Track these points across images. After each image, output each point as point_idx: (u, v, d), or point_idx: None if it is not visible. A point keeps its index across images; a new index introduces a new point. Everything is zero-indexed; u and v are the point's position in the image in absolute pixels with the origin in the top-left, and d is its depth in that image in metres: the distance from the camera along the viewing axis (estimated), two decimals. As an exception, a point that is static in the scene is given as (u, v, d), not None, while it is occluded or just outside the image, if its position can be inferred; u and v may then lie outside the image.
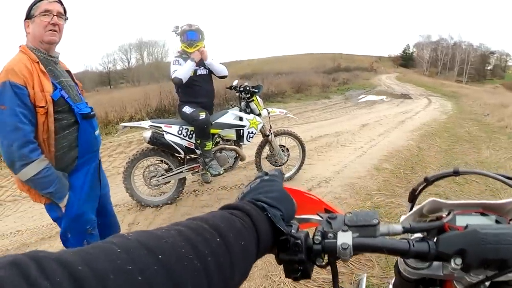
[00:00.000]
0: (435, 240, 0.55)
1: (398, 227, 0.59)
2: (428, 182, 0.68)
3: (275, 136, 4.12)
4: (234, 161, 3.91)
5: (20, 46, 1.81)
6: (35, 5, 1.77)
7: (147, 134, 3.55)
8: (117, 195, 4.01)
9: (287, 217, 0.57)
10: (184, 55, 3.71)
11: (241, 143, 3.90)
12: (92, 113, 2.01)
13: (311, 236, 0.57)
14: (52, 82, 1.78)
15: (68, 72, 2.02)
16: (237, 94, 4.01)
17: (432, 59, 66.46)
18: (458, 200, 0.62)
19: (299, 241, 0.55)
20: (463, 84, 43.28)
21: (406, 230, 0.59)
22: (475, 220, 0.59)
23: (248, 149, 4.27)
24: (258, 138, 4.15)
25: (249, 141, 3.90)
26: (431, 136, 7.26)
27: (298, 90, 16.12)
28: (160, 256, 0.34)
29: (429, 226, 0.59)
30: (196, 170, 3.80)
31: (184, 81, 3.56)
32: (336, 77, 22.94)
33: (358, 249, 0.55)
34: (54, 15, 1.79)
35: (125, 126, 3.70)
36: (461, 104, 15.15)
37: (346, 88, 19.81)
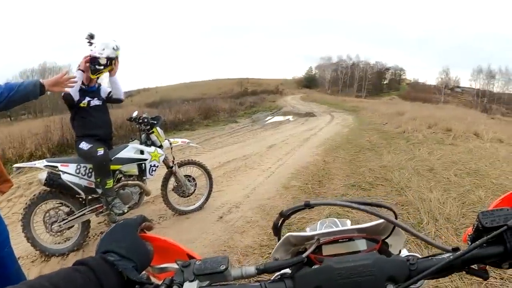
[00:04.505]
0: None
1: (252, 270, 0.55)
2: (284, 216, 0.65)
3: (179, 166, 4.10)
4: (139, 197, 3.78)
5: None
6: None
7: (43, 175, 3.30)
8: (19, 246, 3.56)
9: (141, 267, 0.58)
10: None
11: (144, 178, 3.78)
12: None
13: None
14: None
15: None
16: (137, 126, 3.92)
17: (333, 78, 71.72)
18: (322, 229, 0.62)
19: None
20: (362, 98, 47.91)
21: (260, 272, 0.55)
22: (342, 248, 0.57)
23: (155, 182, 4.16)
24: (163, 171, 4.09)
25: (152, 175, 3.80)
26: (335, 149, 7.86)
27: (206, 116, 16.30)
28: None
29: (286, 263, 0.55)
30: (100, 210, 3.59)
31: (73, 95, 3.31)
32: (243, 101, 23.73)
33: None
34: None
35: (19, 168, 3.39)
36: (361, 116, 16.74)
37: (253, 111, 20.51)
